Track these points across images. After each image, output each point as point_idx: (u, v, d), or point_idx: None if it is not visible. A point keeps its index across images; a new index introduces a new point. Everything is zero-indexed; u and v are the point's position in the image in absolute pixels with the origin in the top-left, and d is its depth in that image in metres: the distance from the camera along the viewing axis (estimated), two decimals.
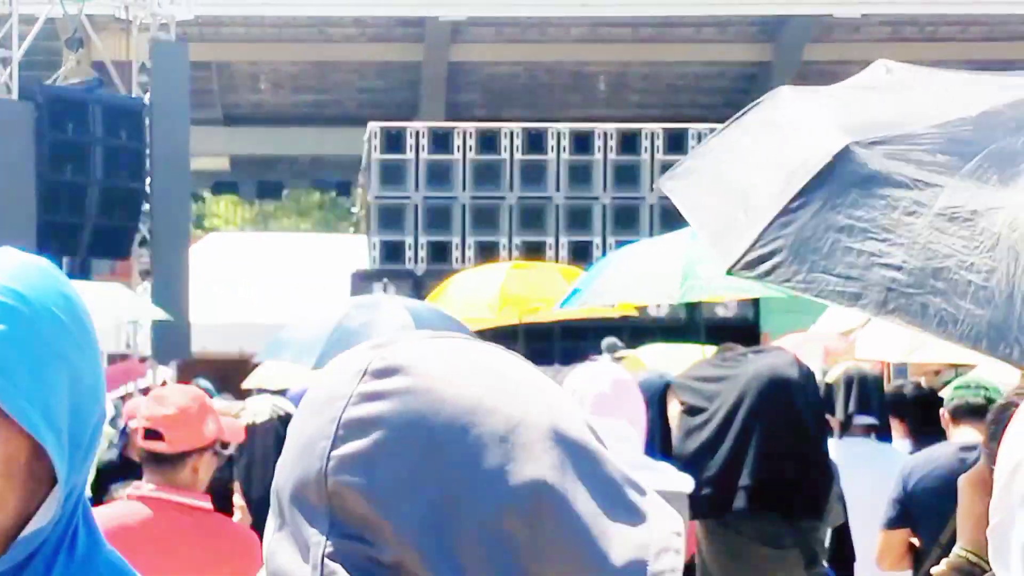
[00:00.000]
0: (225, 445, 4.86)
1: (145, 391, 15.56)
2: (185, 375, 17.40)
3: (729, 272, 2.98)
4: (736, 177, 3.20)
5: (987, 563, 2.68)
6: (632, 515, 1.15)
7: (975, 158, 2.86)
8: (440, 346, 1.17)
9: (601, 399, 5.06)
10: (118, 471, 6.04)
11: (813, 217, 2.88)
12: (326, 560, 1.09)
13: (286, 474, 1.14)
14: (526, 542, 1.10)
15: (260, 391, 10.32)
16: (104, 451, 7.55)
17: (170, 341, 17.79)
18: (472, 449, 1.10)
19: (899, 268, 2.78)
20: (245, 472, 6.40)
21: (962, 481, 2.83)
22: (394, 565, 1.08)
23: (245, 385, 14.04)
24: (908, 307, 2.75)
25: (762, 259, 2.90)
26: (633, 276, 9.42)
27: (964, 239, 2.76)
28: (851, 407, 7.35)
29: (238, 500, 5.27)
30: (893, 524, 6.47)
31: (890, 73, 3.41)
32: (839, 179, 2.91)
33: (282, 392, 9.29)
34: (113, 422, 10.55)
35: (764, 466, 5.68)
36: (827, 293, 2.83)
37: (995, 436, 1.63)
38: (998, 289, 2.70)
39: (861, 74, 3.52)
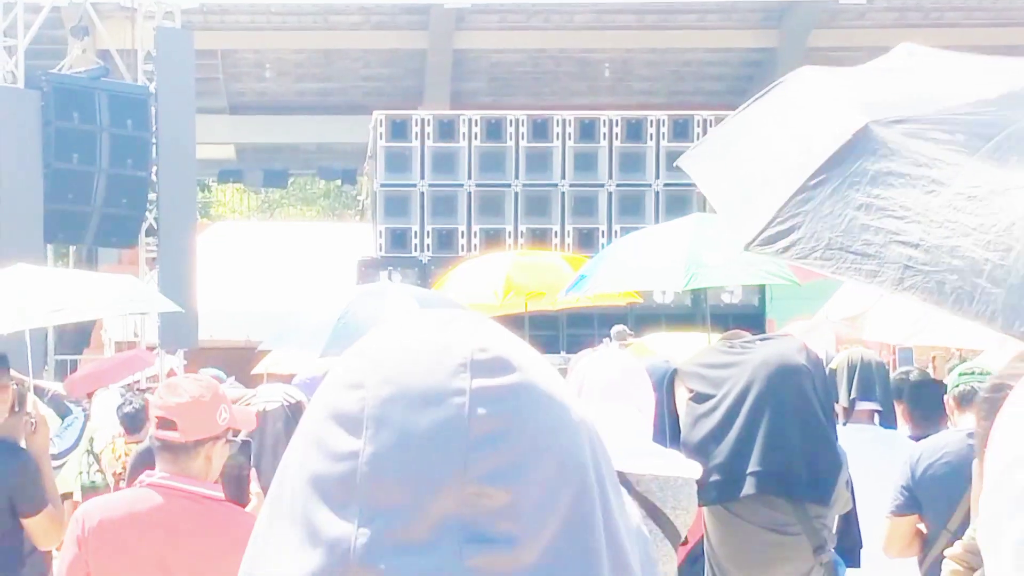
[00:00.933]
0: (237, 433, 4.86)
1: (153, 379, 15.60)
2: (192, 363, 17.42)
3: (747, 248, 2.98)
4: (755, 155, 3.20)
5: None
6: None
7: (994, 139, 2.86)
8: (504, 331, 1.14)
9: (610, 386, 5.05)
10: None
11: (831, 195, 2.88)
12: (469, 567, 1.05)
13: (395, 472, 1.07)
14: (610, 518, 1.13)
15: (269, 377, 10.34)
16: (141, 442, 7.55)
17: (177, 330, 17.80)
18: (574, 442, 1.10)
19: (916, 246, 2.78)
20: (256, 460, 6.41)
21: (976, 463, 2.83)
22: (536, 568, 1.06)
23: (255, 371, 14.06)
24: (924, 284, 2.75)
25: (780, 235, 2.90)
26: (638, 264, 9.42)
27: (982, 218, 2.76)
28: (854, 393, 7.34)
29: (255, 487, 5.26)
30: (901, 511, 6.47)
31: (912, 56, 3.42)
32: (858, 157, 2.91)
33: (290, 378, 9.30)
34: (118, 409, 10.57)
35: (772, 453, 5.67)
36: (844, 270, 2.83)
37: (989, 415, 1.62)
38: (1015, 268, 2.70)
39: (883, 57, 3.52)
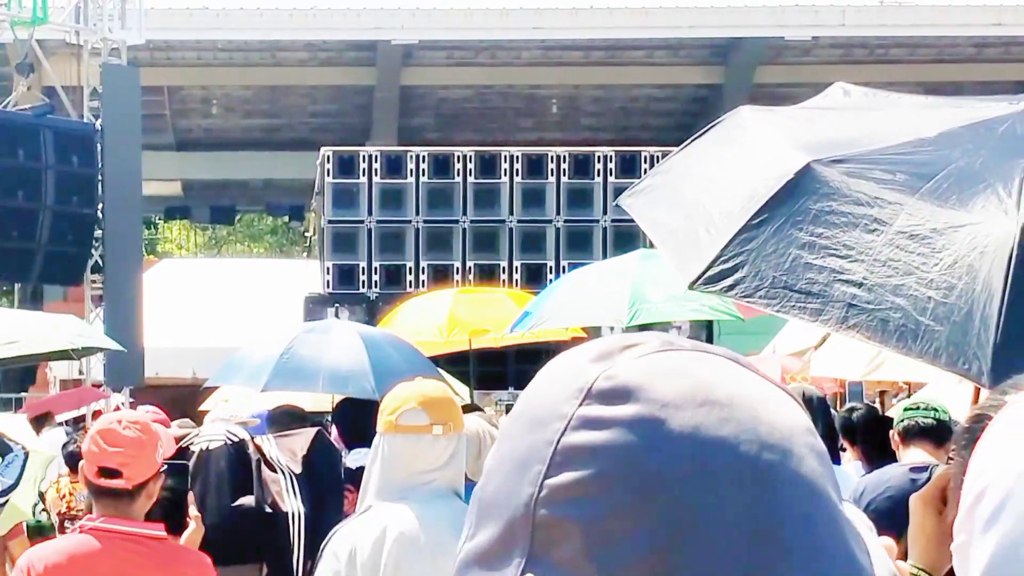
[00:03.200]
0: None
1: (96, 415, 15.47)
2: (138, 400, 17.32)
3: (691, 287, 2.99)
4: (697, 194, 3.21)
5: None
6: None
7: (934, 178, 2.88)
8: (672, 364, 1.05)
9: None
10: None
11: (775, 234, 2.89)
12: None
13: (491, 490, 1.05)
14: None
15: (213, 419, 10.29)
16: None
17: (123, 367, 17.69)
18: (699, 489, 1.00)
19: (860, 284, 2.79)
20: (199, 500, 6.38)
21: (914, 499, 2.84)
22: None
23: (203, 408, 13.98)
24: (869, 323, 2.76)
25: (724, 274, 2.91)
26: (582, 300, 9.44)
27: (924, 256, 2.77)
28: None
29: (192, 511, 5.24)
30: None
31: (848, 95, 3.44)
32: (800, 196, 2.92)
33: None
34: (63, 448, 10.48)
35: None
36: (789, 308, 2.84)
37: (968, 445, 1.62)
38: (957, 306, 2.71)
39: (819, 96, 3.54)
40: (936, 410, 6.73)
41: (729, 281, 2.89)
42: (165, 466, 4.75)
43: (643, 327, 11.36)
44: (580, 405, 1.02)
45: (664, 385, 1.02)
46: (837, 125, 3.31)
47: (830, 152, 3.01)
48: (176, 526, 5.05)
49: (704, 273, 2.92)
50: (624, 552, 0.99)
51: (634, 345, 1.06)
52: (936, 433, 6.63)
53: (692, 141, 3.48)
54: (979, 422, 1.62)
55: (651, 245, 7.96)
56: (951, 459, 1.81)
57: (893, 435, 6.79)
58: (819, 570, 1.01)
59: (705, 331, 20.25)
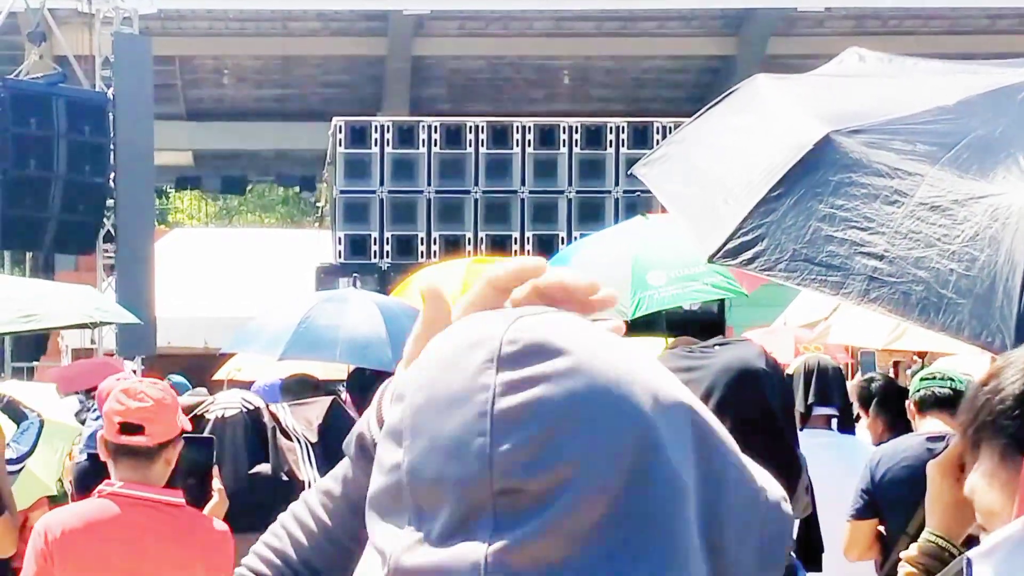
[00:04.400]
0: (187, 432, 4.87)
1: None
2: (151, 370, 17.34)
3: (710, 260, 2.98)
4: (714, 165, 3.19)
5: (956, 548, 2.70)
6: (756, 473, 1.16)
7: (954, 148, 2.86)
8: (556, 321, 1.10)
9: None
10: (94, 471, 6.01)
11: (794, 206, 2.88)
12: (489, 561, 1.03)
13: (430, 477, 1.07)
14: (707, 513, 1.08)
15: (230, 384, 10.30)
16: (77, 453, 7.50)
17: (135, 337, 17.70)
18: (639, 427, 1.05)
19: (881, 257, 2.78)
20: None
21: (931, 467, 2.84)
22: (563, 563, 1.03)
23: (217, 377, 14.01)
24: (890, 296, 2.75)
25: (743, 247, 2.89)
26: None
27: (945, 228, 2.76)
28: (811, 398, 7.36)
29: (216, 483, 5.25)
30: (861, 515, 6.49)
31: (863, 61, 3.42)
32: (820, 168, 2.90)
33: (250, 384, 9.26)
34: (76, 416, 10.49)
35: None
36: (809, 282, 2.83)
37: (969, 410, 1.62)
38: (979, 279, 2.70)
39: (834, 62, 3.52)
40: (952, 380, 6.73)
41: (749, 254, 2.88)
42: (184, 435, 4.76)
43: (649, 316, 11.31)
44: (498, 372, 1.05)
45: (565, 337, 1.06)
46: (854, 93, 3.29)
47: (849, 122, 2.99)
48: (201, 499, 5.06)
49: (723, 246, 2.91)
50: (580, 496, 1.02)
51: (519, 314, 1.09)
52: (952, 403, 6.62)
53: (707, 110, 3.46)
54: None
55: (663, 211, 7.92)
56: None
57: (909, 405, 6.79)
58: (747, 492, 1.12)
59: (717, 303, 20.25)
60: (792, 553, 5.96)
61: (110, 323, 12.29)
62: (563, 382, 1.04)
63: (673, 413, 1.08)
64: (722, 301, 20.19)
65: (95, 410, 7.74)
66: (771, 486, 1.16)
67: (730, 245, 2.91)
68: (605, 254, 9.43)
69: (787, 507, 1.15)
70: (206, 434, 6.15)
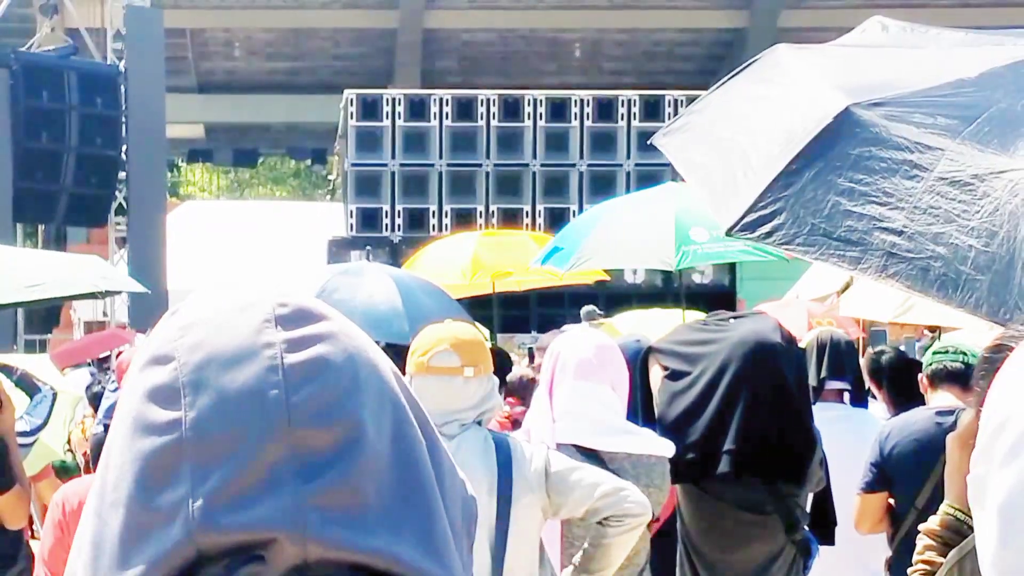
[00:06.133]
0: None
1: (118, 355, 15.52)
2: None
3: (728, 234, 2.97)
4: (733, 137, 3.17)
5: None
6: None
7: (975, 121, 2.84)
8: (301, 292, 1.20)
9: (584, 364, 5.06)
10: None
11: (813, 179, 2.86)
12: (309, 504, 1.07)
13: (218, 435, 1.09)
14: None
15: None
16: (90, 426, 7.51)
17: (147, 309, 17.72)
18: (385, 379, 1.15)
19: (900, 232, 2.76)
20: None
21: (950, 439, 2.83)
22: (366, 505, 1.09)
23: None
24: (909, 272, 2.73)
25: (762, 221, 2.88)
26: (625, 239, 9.28)
27: (965, 204, 2.75)
28: (824, 372, 7.36)
29: None
30: (871, 488, 6.50)
31: (886, 31, 3.39)
32: (839, 141, 2.89)
33: None
34: (88, 389, 10.51)
35: (748, 431, 5.67)
36: (828, 256, 2.82)
37: (987, 376, 1.61)
38: (998, 255, 2.68)
39: (856, 31, 3.50)
40: (964, 354, 6.72)
41: (767, 228, 2.87)
42: None
43: (663, 288, 11.30)
44: (279, 331, 1.12)
45: (320, 304, 1.15)
46: (876, 65, 3.27)
47: (869, 94, 2.97)
48: None
49: (742, 219, 2.90)
50: (371, 440, 1.10)
51: (261, 283, 1.20)
52: (964, 377, 6.62)
53: (727, 80, 3.44)
54: (999, 352, 1.61)
55: (680, 181, 7.89)
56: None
57: (921, 379, 6.79)
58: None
59: (729, 276, 20.24)
60: (805, 527, 5.97)
61: (118, 291, 12.32)
62: (337, 343, 1.12)
63: (401, 379, 1.17)
64: (734, 274, 20.20)
65: (113, 381, 7.76)
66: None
67: (749, 218, 2.90)
68: (643, 211, 9.36)
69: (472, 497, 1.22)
70: None
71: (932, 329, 12.19)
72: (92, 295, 10.05)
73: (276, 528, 1.07)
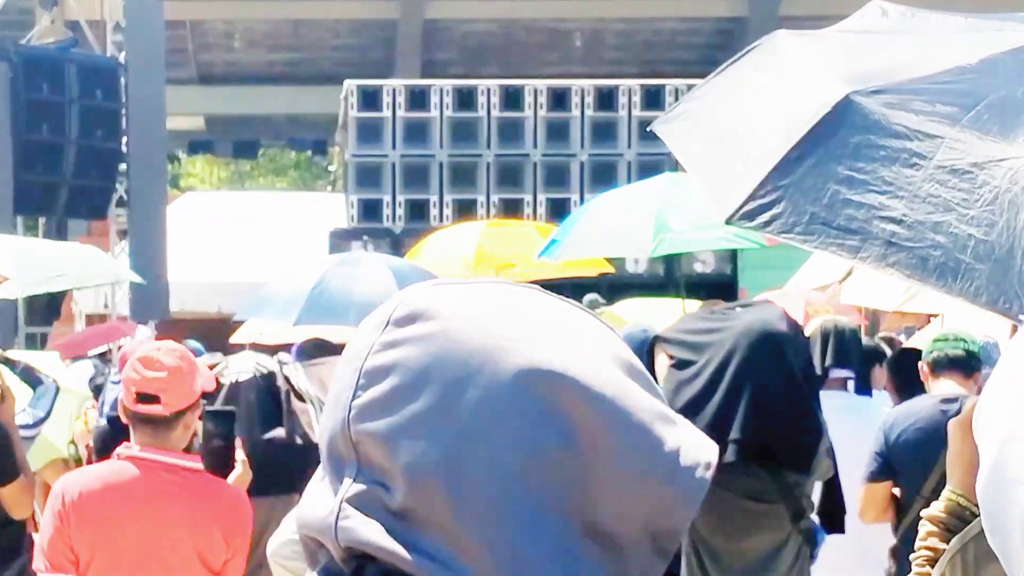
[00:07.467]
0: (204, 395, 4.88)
1: (120, 348, 15.53)
2: (163, 334, 17.36)
3: (728, 222, 2.97)
4: (733, 124, 3.17)
5: (977, 507, 2.69)
6: (663, 436, 1.14)
7: (975, 108, 2.84)
8: (466, 290, 1.17)
9: None
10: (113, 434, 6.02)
11: (813, 168, 2.86)
12: (344, 504, 1.11)
13: (322, 427, 1.15)
14: (559, 473, 1.10)
15: (253, 347, 10.28)
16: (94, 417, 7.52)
17: (148, 301, 17.75)
18: (491, 388, 1.10)
19: (899, 221, 2.77)
20: None
21: (952, 425, 2.84)
22: (401, 511, 1.09)
23: (236, 341, 13.98)
24: (908, 261, 2.74)
25: (761, 209, 2.88)
26: (606, 229, 9.35)
27: (964, 192, 2.75)
28: (829, 360, 7.36)
29: (239, 455, 5.27)
30: (876, 477, 6.50)
31: (886, 16, 3.39)
32: (839, 129, 2.89)
33: (287, 347, 9.20)
34: (91, 381, 10.51)
35: (755, 420, 5.67)
36: (827, 245, 2.82)
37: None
38: (998, 243, 2.69)
39: (856, 16, 3.49)
40: (965, 341, 6.72)
41: (766, 216, 2.87)
42: (204, 401, 4.78)
43: (668, 257, 11.32)
44: (383, 333, 1.14)
45: (453, 306, 1.13)
46: (877, 51, 3.27)
47: (870, 82, 2.97)
48: (224, 470, 5.07)
49: (741, 208, 2.90)
50: (426, 451, 1.09)
51: (438, 282, 1.18)
52: (965, 364, 6.62)
53: (726, 67, 3.44)
54: None
55: (680, 170, 7.90)
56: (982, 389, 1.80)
57: (922, 367, 6.79)
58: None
59: (730, 265, 20.23)
60: (811, 516, 5.97)
61: (138, 280, 12.39)
62: (423, 345, 1.12)
63: (529, 382, 1.10)
64: (735, 263, 20.19)
65: (116, 373, 7.76)
66: (693, 443, 1.16)
67: (747, 207, 2.90)
68: (627, 201, 9.41)
69: (701, 473, 1.14)
70: (221, 399, 6.17)
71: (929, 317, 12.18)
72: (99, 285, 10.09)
73: (316, 532, 1.13)
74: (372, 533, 1.09)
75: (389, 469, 1.10)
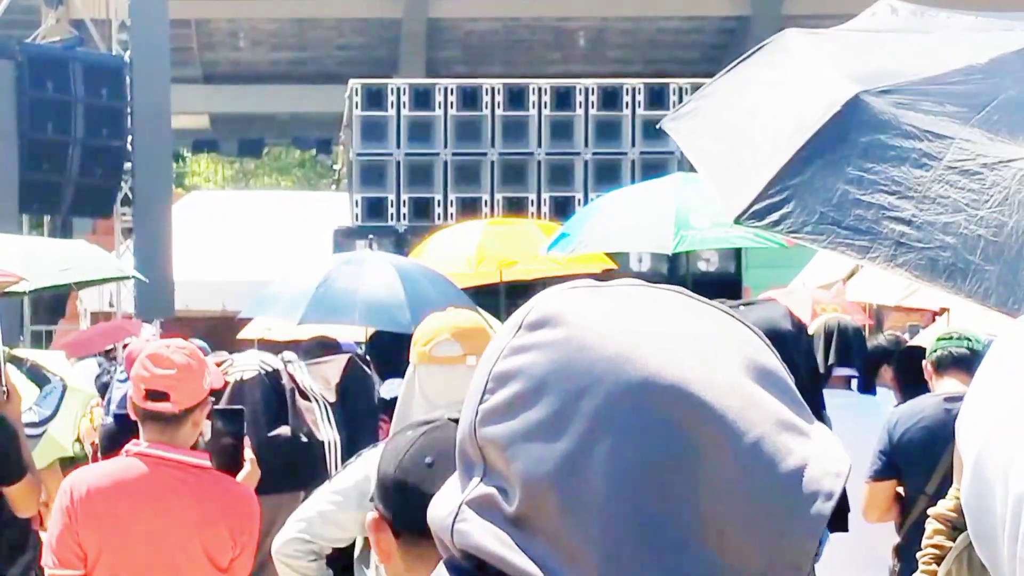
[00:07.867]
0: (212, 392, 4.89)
1: (125, 347, 15.53)
2: (168, 333, 17.37)
3: (737, 221, 2.97)
4: (742, 122, 3.17)
5: None
6: (790, 446, 1.10)
7: (985, 109, 2.84)
8: (599, 294, 1.15)
9: None
10: (120, 432, 6.03)
11: (823, 167, 2.86)
12: (463, 507, 1.11)
13: (459, 427, 1.17)
14: (676, 490, 1.07)
15: (261, 344, 10.28)
16: (103, 416, 7.53)
17: (153, 299, 17.76)
18: (610, 398, 1.08)
19: (909, 222, 2.77)
20: None
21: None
22: (516, 518, 1.08)
23: (243, 337, 13.97)
24: (917, 261, 2.73)
25: (770, 209, 2.88)
26: (625, 224, 9.32)
27: (974, 193, 2.75)
28: (832, 359, 7.35)
29: (248, 453, 5.27)
30: (879, 476, 6.49)
31: (895, 14, 3.39)
32: (849, 129, 2.89)
33: (295, 344, 9.19)
34: (97, 379, 10.52)
35: None
36: (836, 245, 2.82)
37: None
38: (1007, 245, 2.69)
39: (866, 14, 3.49)
40: (969, 339, 6.72)
41: (775, 216, 2.87)
42: (213, 400, 4.79)
43: (673, 255, 11.31)
44: (514, 337, 1.13)
45: (584, 311, 1.12)
46: (886, 51, 3.26)
47: (879, 81, 2.97)
48: (232, 469, 5.07)
49: (750, 207, 2.90)
50: (544, 458, 1.08)
51: (574, 285, 1.17)
52: (969, 362, 6.61)
53: (736, 65, 3.44)
54: None
55: (691, 169, 7.91)
56: None
57: (926, 365, 6.78)
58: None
59: (734, 264, 20.22)
60: None
61: (142, 278, 12.42)
62: (549, 352, 1.10)
63: (649, 395, 1.08)
64: (739, 262, 20.18)
65: (122, 371, 7.77)
66: (819, 463, 1.12)
67: (757, 206, 2.90)
68: (646, 197, 9.38)
69: (819, 507, 1.12)
70: (225, 397, 6.17)
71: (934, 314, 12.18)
72: (103, 281, 10.14)
73: (437, 529, 1.15)
74: (485, 539, 1.09)
75: (508, 475, 1.10)
